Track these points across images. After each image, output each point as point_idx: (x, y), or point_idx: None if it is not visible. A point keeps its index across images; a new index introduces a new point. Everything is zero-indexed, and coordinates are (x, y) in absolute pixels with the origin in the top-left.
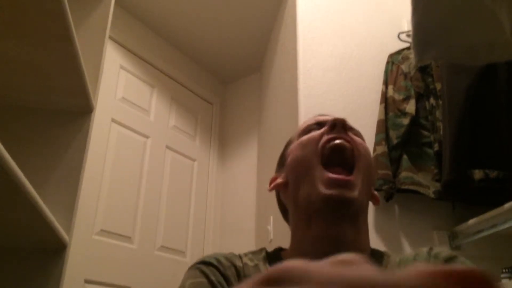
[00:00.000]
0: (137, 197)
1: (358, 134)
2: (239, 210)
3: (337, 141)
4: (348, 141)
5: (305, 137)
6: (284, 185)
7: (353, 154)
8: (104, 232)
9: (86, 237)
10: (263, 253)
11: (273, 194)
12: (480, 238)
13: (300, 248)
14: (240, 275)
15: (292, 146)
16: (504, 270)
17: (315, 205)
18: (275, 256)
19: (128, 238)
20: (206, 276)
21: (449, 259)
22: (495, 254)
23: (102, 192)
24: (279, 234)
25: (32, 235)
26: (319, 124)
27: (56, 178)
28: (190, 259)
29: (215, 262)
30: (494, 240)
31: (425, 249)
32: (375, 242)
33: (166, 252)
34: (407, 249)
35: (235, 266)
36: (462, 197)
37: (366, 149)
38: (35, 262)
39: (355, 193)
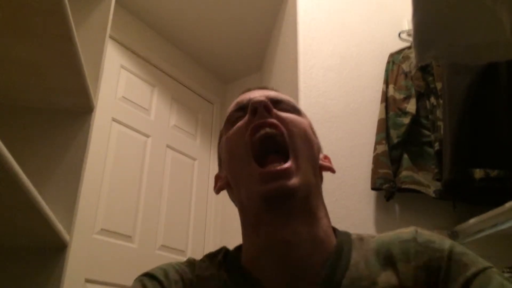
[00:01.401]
0: (137, 196)
1: (287, 107)
2: None
3: (262, 132)
4: (274, 125)
5: (231, 131)
6: (227, 184)
7: (284, 137)
8: (104, 231)
9: (87, 236)
10: (220, 257)
11: None
12: (481, 237)
13: (252, 254)
14: None
15: (222, 142)
16: (505, 270)
17: (257, 206)
18: (233, 259)
19: (128, 237)
20: None
21: (449, 255)
22: (496, 254)
23: (103, 192)
24: None
25: (33, 235)
26: (242, 109)
27: (56, 178)
28: None
29: (160, 277)
30: (495, 240)
31: (410, 233)
32: None
33: (167, 251)
34: None
35: (183, 281)
36: (462, 197)
37: (299, 125)
38: (35, 262)
39: (296, 181)
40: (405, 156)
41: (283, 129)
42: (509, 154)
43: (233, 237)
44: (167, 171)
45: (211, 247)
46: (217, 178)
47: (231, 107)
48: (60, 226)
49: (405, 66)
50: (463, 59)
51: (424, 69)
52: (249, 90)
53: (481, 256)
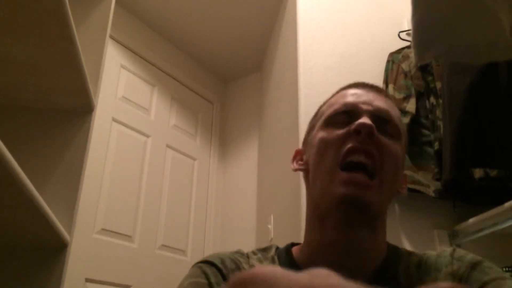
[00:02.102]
0: (137, 196)
1: (391, 129)
2: (240, 209)
3: (357, 157)
4: (371, 154)
5: (328, 135)
6: (306, 171)
7: (375, 167)
8: (104, 231)
9: (87, 236)
10: (272, 252)
11: (273, 193)
12: (481, 237)
13: (313, 251)
14: None
15: (316, 136)
16: (504, 269)
17: (329, 205)
18: (285, 255)
19: (128, 237)
20: (207, 277)
21: (474, 265)
22: (496, 253)
23: (103, 191)
24: (280, 233)
25: (33, 234)
26: (347, 113)
27: (57, 177)
28: (191, 258)
29: (219, 264)
30: (495, 239)
31: (448, 251)
32: None
33: (167, 251)
34: (408, 248)
35: (239, 270)
36: (462, 196)
37: (395, 156)
38: (36, 261)
39: (373, 197)
40: (405, 155)
41: (377, 160)
42: (509, 154)
43: (233, 236)
44: (167, 171)
45: (211, 247)
46: (298, 153)
47: (336, 103)
48: (60, 226)
49: (404, 66)
50: (463, 59)
51: (423, 69)
52: (358, 86)
53: (480, 255)
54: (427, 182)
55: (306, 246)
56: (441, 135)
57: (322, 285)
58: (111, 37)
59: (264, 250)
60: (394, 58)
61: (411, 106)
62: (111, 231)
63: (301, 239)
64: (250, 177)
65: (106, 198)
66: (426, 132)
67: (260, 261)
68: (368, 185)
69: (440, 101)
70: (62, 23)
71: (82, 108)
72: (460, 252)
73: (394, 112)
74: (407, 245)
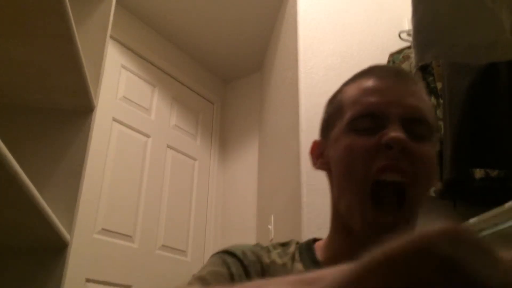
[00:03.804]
0: (138, 196)
1: (424, 131)
2: (240, 209)
3: (389, 176)
4: (404, 172)
5: (354, 146)
6: (328, 170)
7: (407, 186)
8: (105, 231)
9: (87, 236)
10: (293, 248)
11: (273, 193)
12: (481, 237)
13: (337, 253)
14: (265, 274)
15: (339, 141)
16: None
17: (357, 228)
18: (307, 252)
19: (129, 237)
20: (228, 267)
21: None
22: None
23: (103, 191)
24: (280, 233)
25: (34, 234)
26: (373, 116)
27: (57, 177)
28: (191, 258)
29: (240, 255)
30: (495, 240)
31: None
32: None
33: (167, 251)
34: None
35: (261, 263)
36: (463, 196)
37: (428, 162)
38: (36, 261)
39: (404, 225)
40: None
41: (410, 178)
42: (509, 154)
43: (233, 237)
44: (167, 171)
45: (212, 247)
46: (316, 146)
47: (358, 103)
48: (60, 226)
49: (405, 66)
50: (463, 59)
51: (424, 69)
52: (381, 74)
53: None
54: None
55: (330, 247)
56: (441, 136)
57: None
58: (112, 37)
59: (284, 245)
60: (395, 59)
61: None
62: (112, 231)
63: (301, 239)
64: (250, 177)
65: (106, 198)
66: None
67: (280, 256)
68: (396, 224)
69: (441, 101)
70: (63, 23)
71: (82, 108)
72: None
73: (425, 104)
74: None
